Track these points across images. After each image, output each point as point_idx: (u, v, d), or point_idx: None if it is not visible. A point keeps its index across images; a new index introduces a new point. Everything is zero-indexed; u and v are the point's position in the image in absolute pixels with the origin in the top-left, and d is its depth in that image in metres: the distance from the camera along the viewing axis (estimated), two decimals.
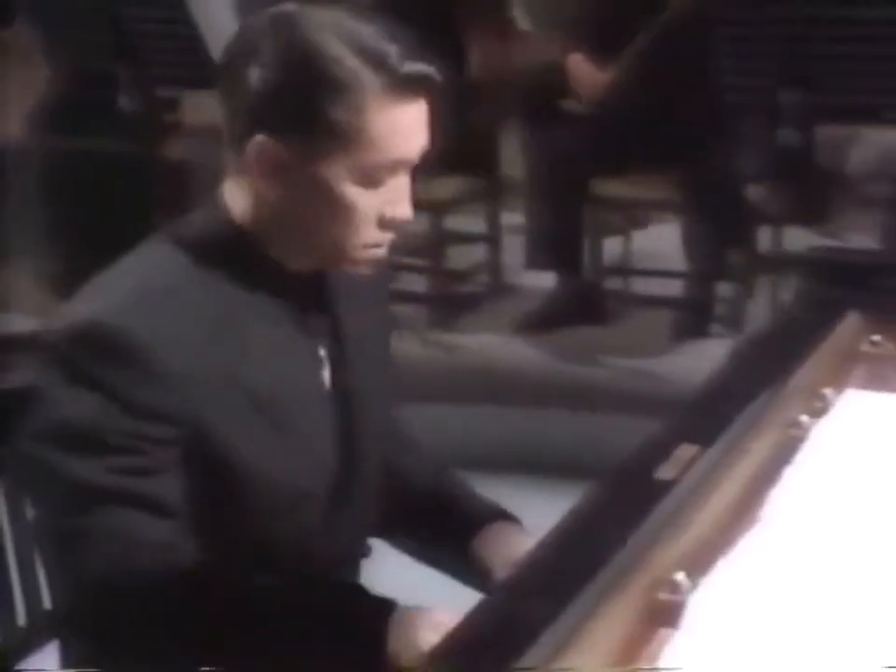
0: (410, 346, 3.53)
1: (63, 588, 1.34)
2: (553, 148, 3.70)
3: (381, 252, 1.34)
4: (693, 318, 3.70)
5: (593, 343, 3.69)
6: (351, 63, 1.24)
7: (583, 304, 3.77)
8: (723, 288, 3.74)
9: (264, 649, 1.24)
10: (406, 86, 1.25)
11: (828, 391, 1.50)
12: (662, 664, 1.03)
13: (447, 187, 3.80)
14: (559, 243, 3.76)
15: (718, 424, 1.33)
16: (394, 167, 1.28)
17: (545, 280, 3.86)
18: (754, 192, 3.61)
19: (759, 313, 3.50)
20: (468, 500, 1.52)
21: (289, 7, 1.31)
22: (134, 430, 1.23)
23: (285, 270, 1.33)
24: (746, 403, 1.39)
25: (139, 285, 1.29)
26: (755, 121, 3.67)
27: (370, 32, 1.27)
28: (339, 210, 1.27)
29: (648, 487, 1.20)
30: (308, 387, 1.37)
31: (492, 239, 4.13)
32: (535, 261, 3.93)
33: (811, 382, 1.51)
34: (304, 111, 1.24)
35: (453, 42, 3.77)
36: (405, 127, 1.27)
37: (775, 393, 1.45)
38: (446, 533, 1.48)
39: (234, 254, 1.32)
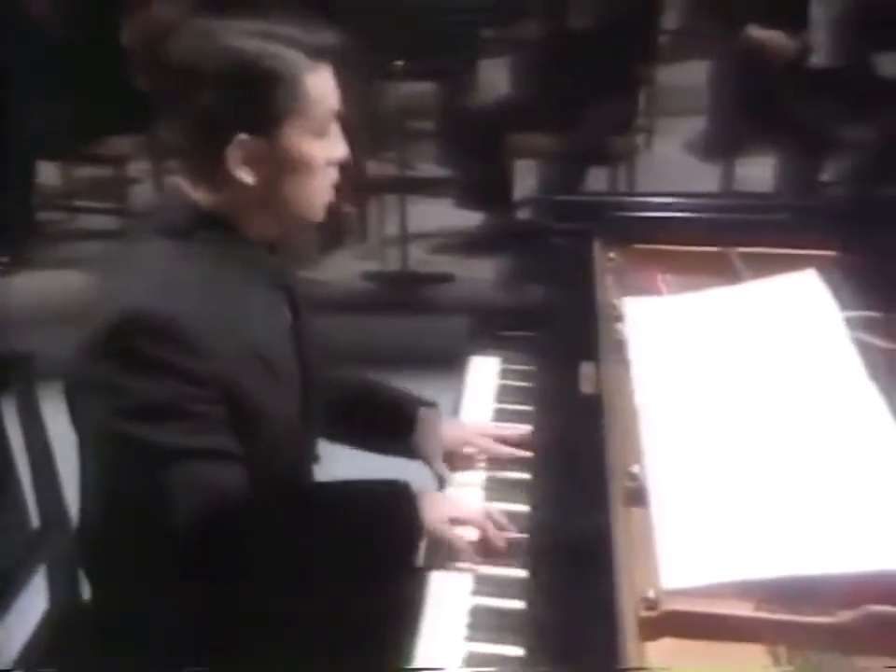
0: None
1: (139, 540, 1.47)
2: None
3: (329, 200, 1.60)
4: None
5: None
6: (275, 51, 1.49)
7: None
8: None
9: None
10: (318, 52, 1.52)
11: (617, 302, 1.88)
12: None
13: None
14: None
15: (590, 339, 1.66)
16: (331, 116, 1.56)
17: None
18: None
19: None
20: (393, 395, 1.87)
21: (198, 27, 1.51)
22: (195, 397, 1.45)
23: (253, 244, 1.58)
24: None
25: (160, 276, 1.48)
26: None
27: (274, 23, 1.52)
28: (307, 164, 1.53)
29: (583, 403, 1.50)
30: (284, 339, 1.64)
31: None
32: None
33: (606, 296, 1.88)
34: (261, 103, 1.49)
35: None
36: (329, 82, 1.55)
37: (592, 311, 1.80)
38: (385, 426, 1.82)
39: (215, 238, 1.54)
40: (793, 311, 1.77)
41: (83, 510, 1.62)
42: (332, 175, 1.59)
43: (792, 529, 1.29)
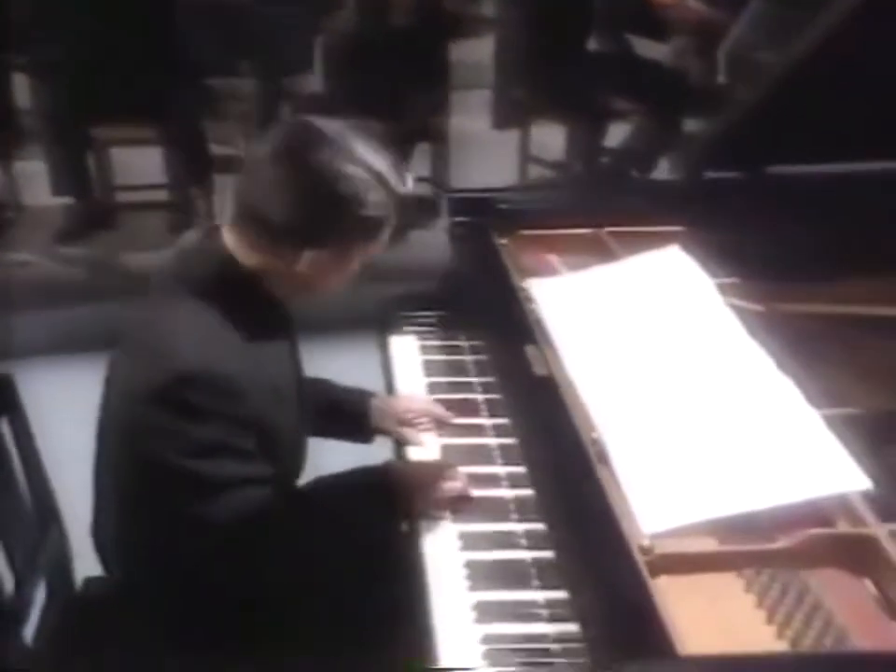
0: None
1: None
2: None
3: None
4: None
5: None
6: (384, 198, 1.70)
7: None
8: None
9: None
10: (400, 200, 1.74)
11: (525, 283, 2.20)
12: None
13: None
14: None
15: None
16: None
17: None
18: None
19: None
20: (344, 390, 2.18)
21: (292, 143, 1.71)
22: (240, 435, 1.71)
23: (276, 302, 1.82)
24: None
25: (203, 334, 1.71)
26: None
27: (376, 153, 1.71)
28: (354, 268, 1.78)
29: (540, 384, 1.82)
30: (287, 365, 1.88)
31: None
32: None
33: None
34: (345, 230, 1.70)
35: None
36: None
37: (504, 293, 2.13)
38: (347, 421, 2.14)
39: (246, 295, 1.75)
40: (673, 281, 2.13)
41: (122, 526, 1.84)
42: None
43: (728, 473, 1.65)
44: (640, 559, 1.49)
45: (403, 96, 4.41)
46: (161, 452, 1.67)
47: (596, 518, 1.55)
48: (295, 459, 1.92)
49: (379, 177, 1.69)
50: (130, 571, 1.86)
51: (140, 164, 4.85)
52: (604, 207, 2.41)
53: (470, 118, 5.31)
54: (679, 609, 1.41)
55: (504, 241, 2.36)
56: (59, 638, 2.01)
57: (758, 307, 2.10)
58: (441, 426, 2.09)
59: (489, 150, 5.04)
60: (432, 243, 4.20)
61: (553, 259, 2.34)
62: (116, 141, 4.64)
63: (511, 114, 5.03)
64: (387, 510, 1.83)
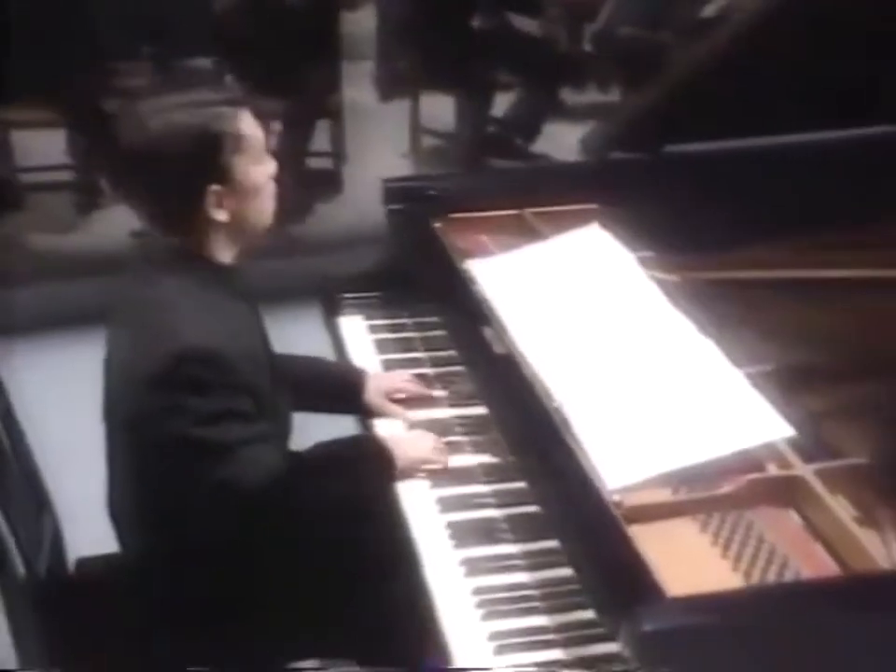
0: None
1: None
2: None
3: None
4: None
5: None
6: (213, 114, 1.90)
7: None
8: None
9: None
10: (236, 102, 1.95)
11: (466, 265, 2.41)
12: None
13: None
14: None
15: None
16: (261, 143, 1.97)
17: None
18: None
19: None
20: (336, 367, 2.42)
21: (137, 110, 1.91)
22: (237, 399, 1.90)
23: (225, 267, 2.01)
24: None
25: (187, 313, 1.90)
26: None
27: (194, 92, 1.94)
28: (259, 188, 1.96)
29: (503, 363, 2.05)
30: (260, 340, 2.09)
31: None
32: None
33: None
34: (217, 157, 1.90)
35: None
36: (251, 119, 1.95)
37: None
38: (340, 392, 2.31)
39: (201, 271, 1.96)
40: (598, 257, 2.36)
41: (142, 501, 1.99)
42: (272, 186, 2.01)
43: (674, 430, 1.91)
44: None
45: (297, 72, 4.54)
46: (175, 428, 1.85)
47: (573, 480, 1.79)
48: (279, 419, 2.09)
49: (196, 102, 1.91)
50: (147, 542, 2.02)
51: (41, 147, 4.89)
52: (524, 189, 2.64)
53: (360, 90, 5.50)
54: (651, 555, 1.66)
55: (438, 224, 2.57)
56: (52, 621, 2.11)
57: (674, 277, 2.36)
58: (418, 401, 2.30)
59: (381, 122, 5.22)
60: (339, 214, 4.42)
61: (484, 239, 2.56)
62: (16, 123, 4.68)
63: (395, 86, 5.21)
64: (377, 471, 2.05)
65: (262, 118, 2.00)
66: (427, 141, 5.33)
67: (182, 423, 1.84)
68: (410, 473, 2.06)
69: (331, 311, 2.60)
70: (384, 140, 5.00)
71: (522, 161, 5.10)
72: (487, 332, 2.13)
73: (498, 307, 2.24)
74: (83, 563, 2.27)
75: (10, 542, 1.95)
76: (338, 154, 5.03)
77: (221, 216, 1.92)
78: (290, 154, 4.53)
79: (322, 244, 4.17)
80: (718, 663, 1.47)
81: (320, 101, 4.80)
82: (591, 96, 5.85)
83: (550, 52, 5.30)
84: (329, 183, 4.83)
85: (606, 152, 2.71)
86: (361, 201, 4.30)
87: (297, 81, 4.56)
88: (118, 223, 4.39)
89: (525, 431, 1.99)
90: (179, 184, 1.89)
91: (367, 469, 2.06)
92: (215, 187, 1.90)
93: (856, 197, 2.47)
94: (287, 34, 4.51)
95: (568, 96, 5.66)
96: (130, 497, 2.01)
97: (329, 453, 2.08)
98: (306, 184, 4.74)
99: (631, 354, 2.08)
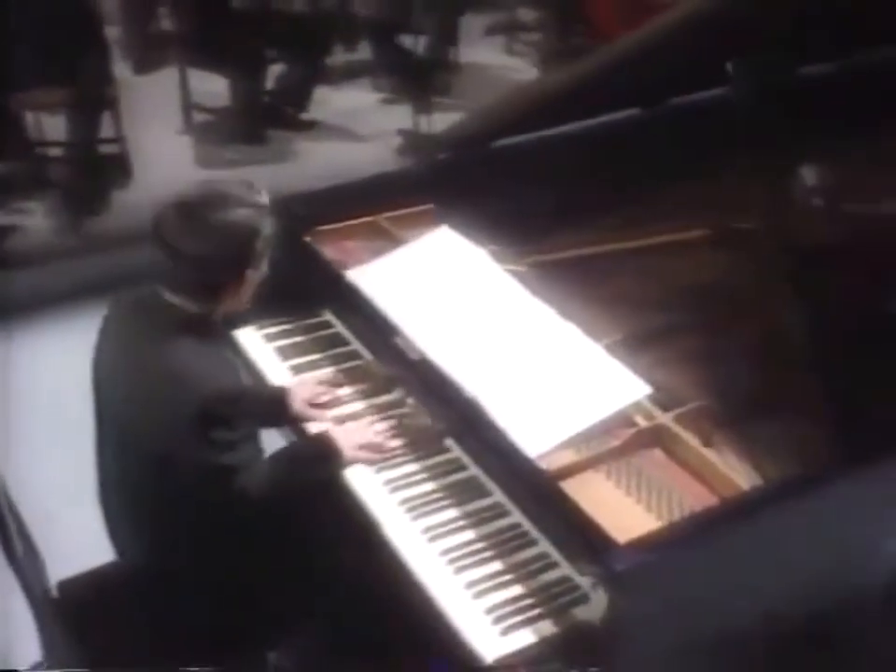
0: None
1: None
2: None
3: None
4: None
5: None
6: (256, 215, 2.32)
7: None
8: None
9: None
10: (266, 210, 2.36)
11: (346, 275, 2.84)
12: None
13: None
14: None
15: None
16: None
17: None
18: None
19: None
20: (264, 392, 2.79)
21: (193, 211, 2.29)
22: (243, 424, 2.34)
23: (217, 325, 2.44)
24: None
25: (205, 368, 2.29)
26: None
27: (240, 191, 2.34)
28: (256, 284, 2.41)
29: (422, 366, 2.52)
30: (237, 376, 2.45)
31: None
32: None
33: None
34: (255, 249, 2.33)
35: None
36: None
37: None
38: (272, 411, 2.72)
39: (206, 331, 2.36)
40: (455, 256, 2.81)
41: (162, 522, 2.36)
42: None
43: (564, 401, 2.43)
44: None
45: (68, 61, 4.69)
46: (211, 458, 2.27)
47: (508, 455, 2.31)
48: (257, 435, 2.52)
49: (255, 205, 2.33)
50: (165, 558, 2.39)
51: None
52: (372, 196, 3.08)
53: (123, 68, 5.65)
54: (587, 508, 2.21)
55: (308, 238, 2.97)
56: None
57: (520, 268, 2.88)
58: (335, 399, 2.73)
59: (153, 100, 5.38)
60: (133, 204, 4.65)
61: (351, 246, 2.98)
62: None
63: (149, 60, 5.40)
64: (330, 463, 2.51)
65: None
66: (200, 117, 5.54)
67: (214, 453, 2.27)
68: (358, 458, 2.53)
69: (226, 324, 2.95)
70: (155, 117, 5.17)
71: (297, 130, 5.44)
72: (400, 339, 2.58)
73: (386, 311, 2.67)
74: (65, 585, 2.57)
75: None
76: (121, 138, 5.20)
77: (246, 291, 2.36)
78: (79, 143, 4.75)
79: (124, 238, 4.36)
80: (680, 589, 2.05)
81: (96, 88, 4.95)
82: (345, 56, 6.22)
83: (307, 25, 5.63)
84: (118, 168, 5.00)
85: (433, 152, 3.15)
86: (153, 185, 4.55)
87: (69, 70, 4.71)
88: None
89: (444, 413, 2.48)
90: (226, 267, 2.31)
91: (325, 462, 2.51)
92: (249, 271, 2.33)
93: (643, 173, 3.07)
94: (51, 20, 4.63)
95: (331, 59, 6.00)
96: (147, 521, 2.40)
97: (292, 455, 2.55)
98: (98, 172, 4.95)
99: (511, 342, 2.54)
